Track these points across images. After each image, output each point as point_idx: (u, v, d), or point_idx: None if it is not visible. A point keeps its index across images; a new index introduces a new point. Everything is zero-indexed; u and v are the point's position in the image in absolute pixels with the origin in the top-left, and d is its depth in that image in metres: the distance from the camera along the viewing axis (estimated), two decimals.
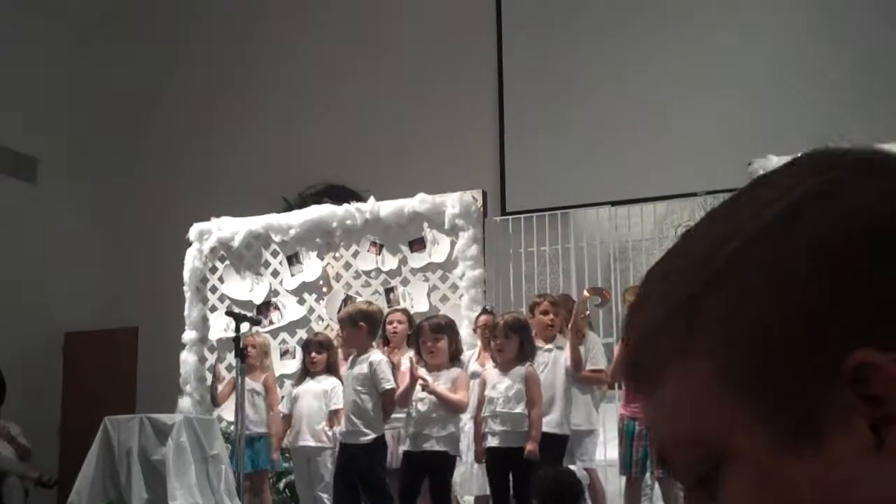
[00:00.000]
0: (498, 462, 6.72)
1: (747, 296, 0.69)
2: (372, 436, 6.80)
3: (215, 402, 8.73)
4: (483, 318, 7.87)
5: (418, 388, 6.69)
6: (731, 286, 0.70)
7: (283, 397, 8.38)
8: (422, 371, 6.73)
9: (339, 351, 7.97)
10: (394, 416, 7.02)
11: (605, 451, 8.18)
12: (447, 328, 6.88)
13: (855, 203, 0.69)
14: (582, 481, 6.41)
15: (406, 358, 7.00)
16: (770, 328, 0.68)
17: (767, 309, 0.68)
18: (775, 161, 8.23)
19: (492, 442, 6.70)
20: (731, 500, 0.69)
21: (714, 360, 0.70)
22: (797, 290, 0.68)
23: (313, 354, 7.82)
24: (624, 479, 7.49)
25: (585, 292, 9.22)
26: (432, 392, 6.62)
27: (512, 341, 6.78)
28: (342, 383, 7.35)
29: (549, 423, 6.97)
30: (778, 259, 0.69)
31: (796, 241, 0.69)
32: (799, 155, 0.77)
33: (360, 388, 6.85)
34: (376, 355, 6.98)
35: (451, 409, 6.68)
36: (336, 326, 9.06)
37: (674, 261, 0.76)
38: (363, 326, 7.02)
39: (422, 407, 6.71)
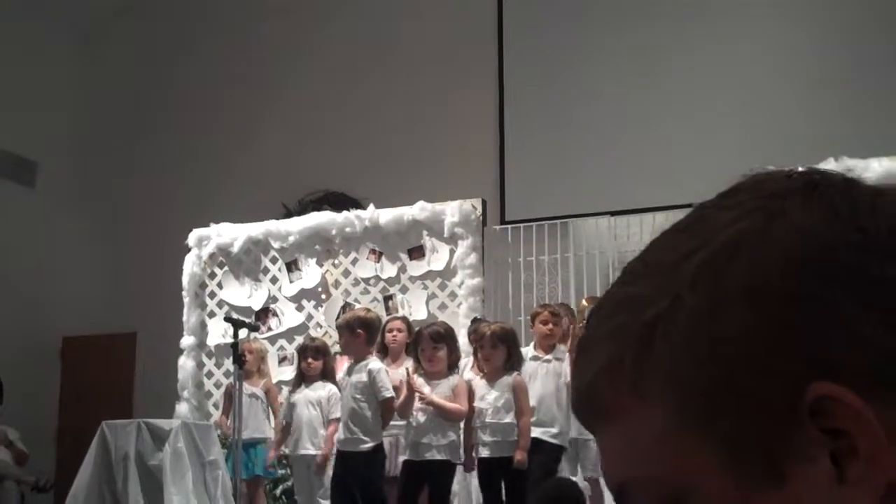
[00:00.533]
0: (489, 472, 6.73)
1: (692, 341, 0.68)
2: (370, 444, 6.79)
3: None
4: (472, 327, 7.90)
5: (417, 397, 6.68)
6: (675, 331, 0.69)
7: (281, 404, 8.39)
8: (419, 381, 6.73)
9: (337, 357, 7.98)
10: (392, 423, 7.01)
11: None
12: (447, 336, 6.87)
13: (796, 234, 0.68)
14: (584, 491, 6.41)
15: (403, 369, 7.00)
16: (721, 371, 0.67)
17: (715, 353, 0.67)
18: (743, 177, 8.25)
19: (482, 452, 6.70)
20: None
21: (668, 403, 0.69)
22: (741, 334, 0.67)
23: (309, 360, 7.80)
24: None
25: (584, 302, 9.24)
26: (430, 404, 6.61)
27: (499, 351, 6.77)
28: (339, 390, 7.34)
29: (549, 433, 6.97)
30: (719, 304, 0.68)
31: (734, 283, 0.68)
32: (742, 179, 0.76)
33: (358, 395, 6.84)
34: (375, 363, 6.96)
35: (450, 417, 6.67)
36: (334, 333, 9.07)
37: (619, 299, 0.74)
38: (361, 334, 7.01)
39: (421, 417, 6.70)
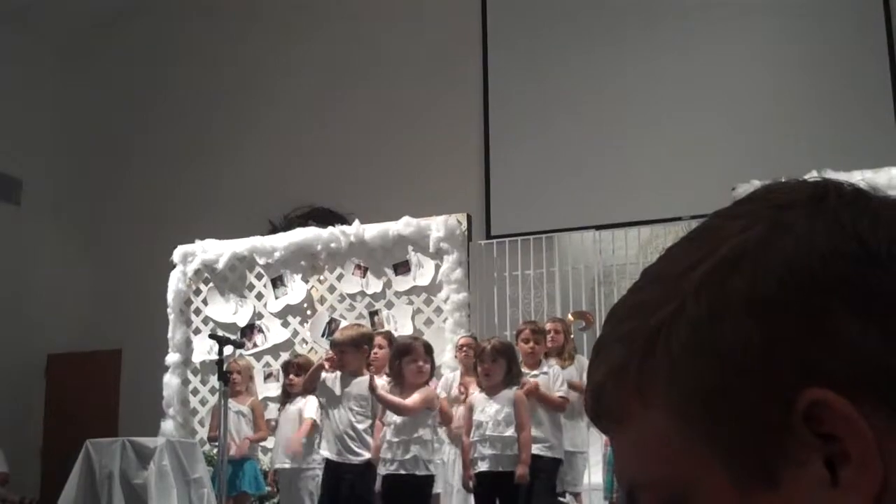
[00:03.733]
0: (487, 486, 6.71)
1: (692, 348, 0.70)
2: (364, 456, 6.79)
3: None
4: (464, 340, 7.88)
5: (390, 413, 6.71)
6: (677, 337, 0.70)
7: (268, 421, 8.38)
8: (380, 382, 6.74)
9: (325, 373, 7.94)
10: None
11: (591, 475, 8.18)
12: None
13: (797, 245, 0.69)
14: None
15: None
16: (719, 377, 0.69)
17: (713, 360, 0.69)
18: (759, 186, 8.28)
19: (481, 466, 6.68)
20: None
21: (670, 406, 0.71)
22: (739, 342, 0.68)
23: (291, 376, 7.83)
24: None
25: (570, 316, 9.26)
26: (378, 397, 6.60)
27: (499, 365, 6.78)
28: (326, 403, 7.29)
29: (543, 447, 6.97)
30: (719, 313, 0.69)
31: (735, 293, 0.69)
32: (758, 187, 0.78)
33: (357, 408, 6.84)
34: (378, 379, 6.97)
35: (396, 411, 6.62)
36: (320, 349, 9.05)
37: (630, 305, 0.76)
38: (365, 350, 7.05)
39: (388, 434, 6.70)
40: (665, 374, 0.71)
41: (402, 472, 6.55)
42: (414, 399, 6.60)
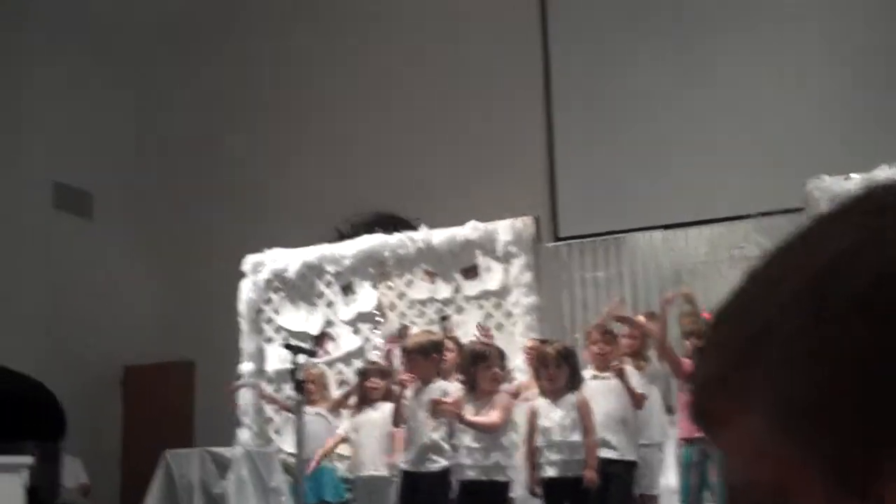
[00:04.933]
0: (556, 492, 6.70)
1: (791, 358, 0.69)
2: (441, 464, 6.81)
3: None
4: (531, 344, 7.86)
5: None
6: (776, 346, 0.70)
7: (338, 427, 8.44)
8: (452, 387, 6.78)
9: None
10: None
11: (667, 477, 8.11)
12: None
13: (890, 253, 0.67)
14: None
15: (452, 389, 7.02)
16: (818, 389, 0.67)
17: (812, 371, 0.68)
18: (829, 182, 8.19)
19: (549, 472, 6.67)
20: None
21: (769, 413, 0.70)
22: (837, 355, 0.67)
23: (373, 380, 7.83)
24: None
25: (641, 317, 9.14)
26: (465, 423, 6.64)
27: (562, 370, 6.77)
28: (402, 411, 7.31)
29: (616, 452, 6.94)
30: (817, 323, 0.68)
31: (833, 303, 0.67)
32: (859, 192, 0.77)
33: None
34: (450, 385, 7.00)
35: (487, 431, 6.66)
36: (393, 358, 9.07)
37: (732, 309, 0.75)
38: (435, 357, 7.06)
39: (466, 439, 6.72)
40: (764, 382, 0.70)
41: (483, 478, 6.57)
42: (498, 415, 6.64)
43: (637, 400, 7.18)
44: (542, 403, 6.83)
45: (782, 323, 0.70)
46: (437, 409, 6.70)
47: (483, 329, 8.58)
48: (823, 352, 0.67)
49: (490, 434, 6.66)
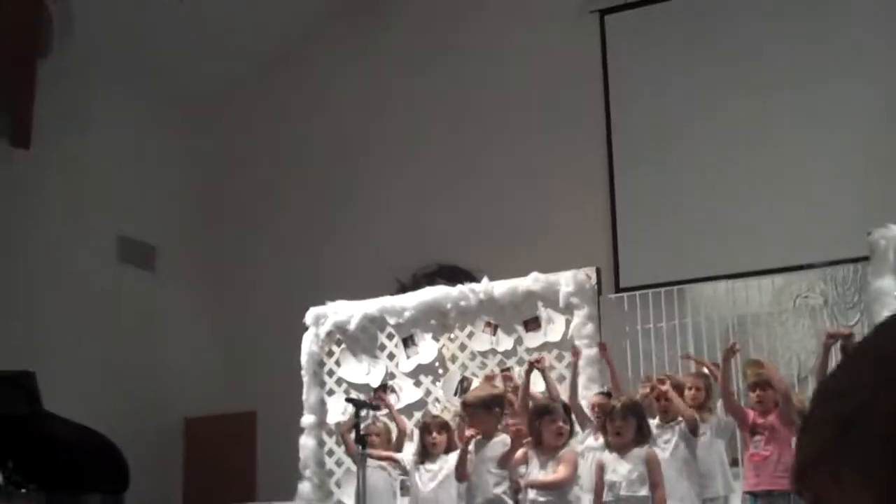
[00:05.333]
0: None
1: (887, 438, 0.70)
2: None
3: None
4: (596, 398, 7.80)
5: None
6: (871, 426, 0.70)
7: (404, 479, 8.42)
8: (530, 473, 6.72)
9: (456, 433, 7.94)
10: None
11: None
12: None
13: None
14: None
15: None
16: None
17: None
18: (895, 230, 8.07)
19: None
20: None
21: (867, 492, 0.70)
22: None
23: (434, 435, 7.82)
24: None
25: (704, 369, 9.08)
26: (533, 486, 6.61)
27: (629, 423, 6.72)
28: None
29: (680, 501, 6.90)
30: None
31: None
32: None
33: (494, 470, 6.85)
34: (509, 439, 7.01)
35: (556, 487, 6.63)
36: (452, 408, 9.05)
37: (835, 386, 0.76)
38: (497, 411, 7.06)
39: (532, 493, 6.69)
40: (861, 461, 0.70)
41: None
42: (566, 472, 6.62)
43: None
44: (608, 457, 6.78)
45: (877, 405, 0.70)
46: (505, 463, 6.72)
47: (574, 350, 8.47)
48: None
49: (558, 490, 6.62)
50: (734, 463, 8.46)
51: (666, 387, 7.43)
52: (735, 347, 7.53)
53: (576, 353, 8.04)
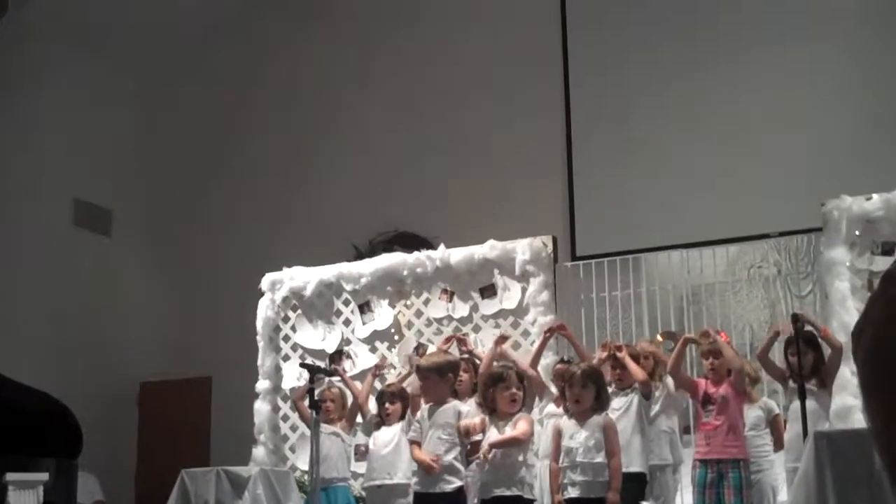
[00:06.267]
0: None
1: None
2: (456, 484, 6.81)
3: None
4: (559, 367, 7.85)
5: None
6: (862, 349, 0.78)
7: (359, 446, 8.45)
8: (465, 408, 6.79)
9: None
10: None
11: (682, 497, 8.10)
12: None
13: None
14: None
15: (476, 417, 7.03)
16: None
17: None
18: (849, 202, 8.15)
19: (572, 493, 6.65)
20: None
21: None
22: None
23: (387, 405, 7.86)
24: None
25: (659, 336, 9.19)
26: (494, 446, 6.64)
27: (588, 391, 6.77)
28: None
29: (627, 465, 6.97)
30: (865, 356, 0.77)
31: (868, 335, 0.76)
32: None
33: (445, 436, 6.87)
34: (462, 406, 7.02)
35: (516, 444, 6.66)
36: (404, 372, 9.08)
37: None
38: (450, 378, 7.08)
39: (492, 455, 6.72)
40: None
41: (507, 493, 6.58)
42: (524, 428, 6.66)
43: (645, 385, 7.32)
44: (566, 423, 6.82)
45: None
46: (467, 433, 6.75)
47: (460, 340, 8.59)
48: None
49: (516, 449, 6.66)
50: (686, 430, 8.57)
51: (623, 353, 7.53)
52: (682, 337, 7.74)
53: (561, 328, 8.10)
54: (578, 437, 6.69)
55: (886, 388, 0.74)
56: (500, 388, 6.78)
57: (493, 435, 6.73)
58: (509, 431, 6.69)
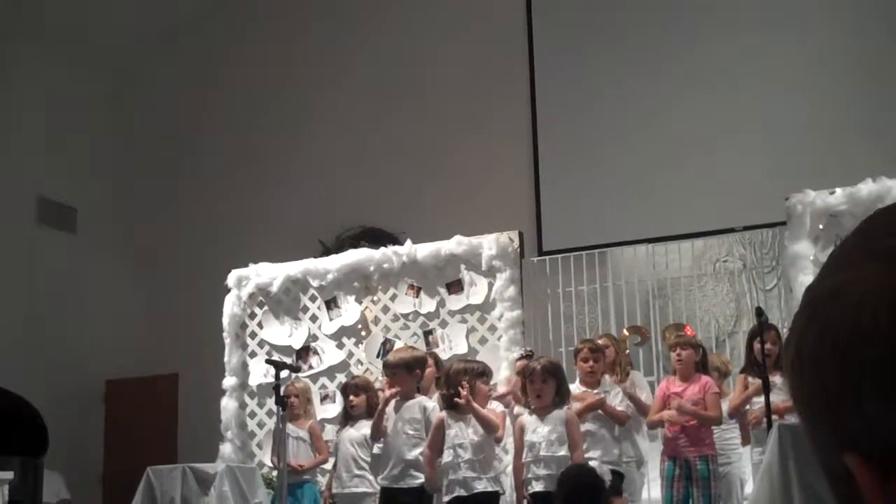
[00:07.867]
0: None
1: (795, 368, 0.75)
2: (421, 479, 6.81)
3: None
4: (520, 363, 7.87)
5: (453, 435, 6.72)
6: (788, 356, 0.77)
7: (328, 442, 8.40)
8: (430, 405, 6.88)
9: (380, 394, 7.96)
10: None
11: (650, 490, 8.14)
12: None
13: (851, 313, 0.70)
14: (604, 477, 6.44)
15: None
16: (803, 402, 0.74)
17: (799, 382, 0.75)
18: (813, 196, 8.20)
19: (536, 487, 6.68)
20: None
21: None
22: (810, 383, 0.73)
23: (351, 398, 7.84)
24: None
25: (625, 331, 9.23)
26: (470, 407, 6.65)
27: (549, 385, 6.80)
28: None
29: (604, 462, 7.04)
30: (799, 355, 0.75)
31: (808, 342, 0.74)
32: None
33: (411, 432, 6.88)
34: (428, 402, 7.03)
35: (488, 429, 6.68)
36: (375, 370, 9.08)
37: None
38: (418, 373, 7.09)
39: (462, 452, 6.71)
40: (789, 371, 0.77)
41: (479, 489, 6.60)
42: (497, 413, 6.72)
43: (622, 419, 7.36)
44: (528, 419, 6.85)
45: (790, 341, 0.79)
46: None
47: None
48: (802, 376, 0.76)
49: (484, 441, 6.68)
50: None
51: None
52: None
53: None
54: (541, 431, 6.72)
55: (807, 397, 0.75)
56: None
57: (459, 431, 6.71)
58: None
